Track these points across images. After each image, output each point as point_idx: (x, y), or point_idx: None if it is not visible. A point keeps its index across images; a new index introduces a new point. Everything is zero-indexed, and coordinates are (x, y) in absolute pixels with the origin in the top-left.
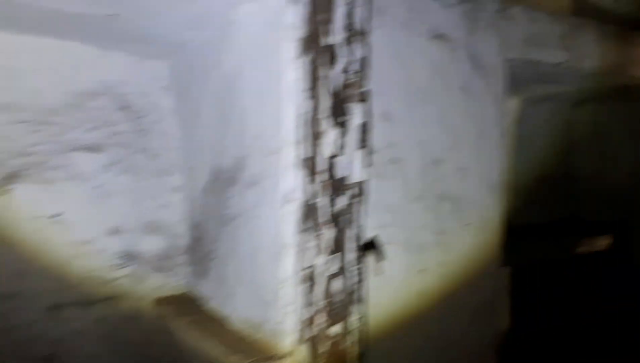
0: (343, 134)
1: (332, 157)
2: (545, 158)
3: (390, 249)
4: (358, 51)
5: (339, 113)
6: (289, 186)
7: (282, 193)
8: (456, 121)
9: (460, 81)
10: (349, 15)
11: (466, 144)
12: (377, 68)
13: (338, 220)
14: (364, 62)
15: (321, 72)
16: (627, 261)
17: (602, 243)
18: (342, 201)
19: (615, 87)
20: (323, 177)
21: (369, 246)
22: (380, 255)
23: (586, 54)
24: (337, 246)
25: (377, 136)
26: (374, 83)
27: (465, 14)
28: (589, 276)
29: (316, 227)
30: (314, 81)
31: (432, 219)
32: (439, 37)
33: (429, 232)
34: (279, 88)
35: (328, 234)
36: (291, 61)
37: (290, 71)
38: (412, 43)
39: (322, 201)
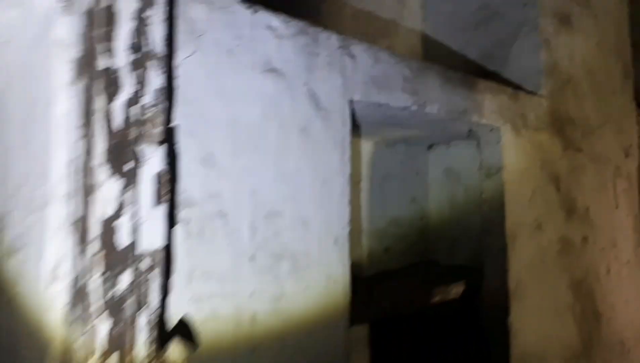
0: (129, 186)
1: (112, 218)
2: (400, 201)
3: (212, 327)
4: (156, 79)
5: (122, 159)
6: (54, 258)
7: (45, 267)
8: (295, 167)
9: (299, 122)
10: (140, 32)
11: (307, 194)
12: (194, 102)
13: (119, 307)
14: (166, 94)
15: (97, 103)
16: (478, 309)
17: (456, 291)
18: (125, 279)
19: (462, 132)
20: (95, 246)
21: (175, 333)
22: (191, 344)
23: (431, 99)
24: (116, 343)
25: (195, 186)
26: (190, 121)
27: (303, 48)
28: (444, 324)
29: (86, 318)
30: (88, 115)
31: (267, 283)
32: (273, 71)
33: (265, 299)
34: (47, 123)
35: (102, 327)
36: (62, 87)
37: (61, 101)
38: (241, 76)
39: (94, 281)
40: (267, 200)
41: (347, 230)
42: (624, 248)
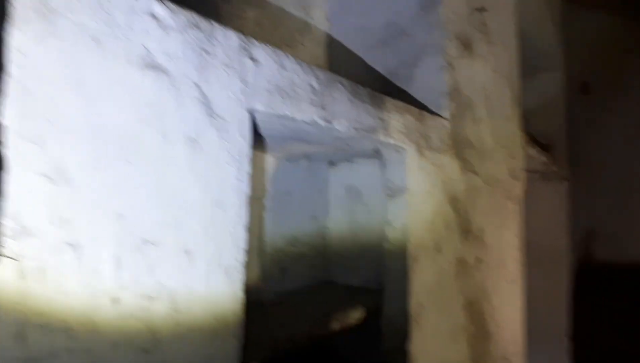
0: None
1: None
2: (300, 219)
3: None
4: None
5: None
6: None
7: None
8: (179, 186)
9: (186, 131)
10: None
11: (193, 218)
12: (40, 99)
13: None
14: None
15: None
16: (378, 334)
17: (356, 316)
18: None
19: (367, 151)
20: None
21: None
22: None
23: (339, 114)
24: None
25: (36, 209)
26: (32, 123)
27: (194, 44)
28: (344, 352)
29: None
30: None
31: (137, 331)
32: (155, 68)
33: (131, 352)
34: None
35: None
36: None
37: None
38: (111, 70)
39: None
40: (139, 227)
41: (242, 259)
42: (511, 268)
